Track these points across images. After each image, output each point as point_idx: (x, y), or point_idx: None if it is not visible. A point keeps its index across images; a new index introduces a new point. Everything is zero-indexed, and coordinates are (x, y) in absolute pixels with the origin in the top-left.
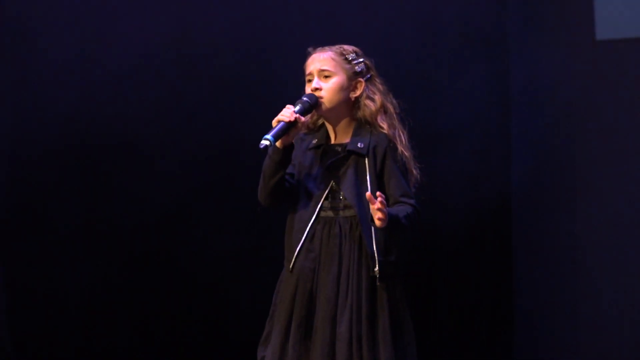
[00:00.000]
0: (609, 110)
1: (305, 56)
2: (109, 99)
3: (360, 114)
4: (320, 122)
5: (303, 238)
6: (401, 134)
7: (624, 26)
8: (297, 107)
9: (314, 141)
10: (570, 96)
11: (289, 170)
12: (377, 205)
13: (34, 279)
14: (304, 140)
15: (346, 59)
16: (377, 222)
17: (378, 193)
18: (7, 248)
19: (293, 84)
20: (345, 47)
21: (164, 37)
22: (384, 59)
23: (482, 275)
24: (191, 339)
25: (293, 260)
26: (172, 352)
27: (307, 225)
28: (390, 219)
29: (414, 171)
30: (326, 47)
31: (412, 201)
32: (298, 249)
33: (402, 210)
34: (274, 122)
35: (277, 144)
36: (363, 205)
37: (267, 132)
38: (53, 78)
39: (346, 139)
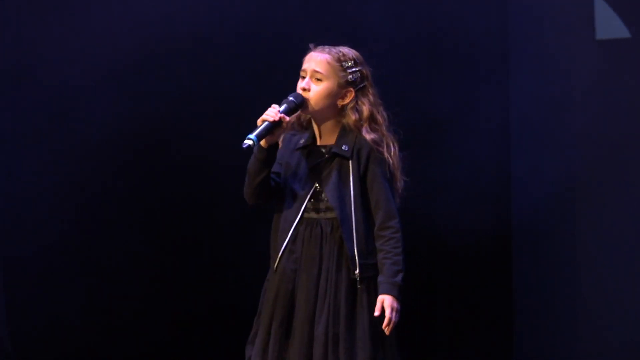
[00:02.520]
0: (609, 113)
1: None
2: (108, 98)
3: (345, 120)
4: (309, 118)
5: (287, 239)
6: (390, 144)
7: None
8: (283, 107)
9: (301, 141)
10: (572, 104)
11: (275, 169)
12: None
13: (33, 278)
14: (292, 140)
15: (342, 66)
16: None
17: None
18: (6, 248)
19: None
20: (346, 52)
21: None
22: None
23: (482, 276)
24: (188, 339)
25: (277, 260)
26: (172, 352)
27: (292, 226)
28: (396, 296)
29: (399, 183)
30: (327, 48)
31: (393, 219)
32: (282, 250)
33: (389, 268)
34: (258, 122)
35: (262, 143)
36: (344, 207)
37: (250, 132)
38: (48, 76)
39: (332, 141)
